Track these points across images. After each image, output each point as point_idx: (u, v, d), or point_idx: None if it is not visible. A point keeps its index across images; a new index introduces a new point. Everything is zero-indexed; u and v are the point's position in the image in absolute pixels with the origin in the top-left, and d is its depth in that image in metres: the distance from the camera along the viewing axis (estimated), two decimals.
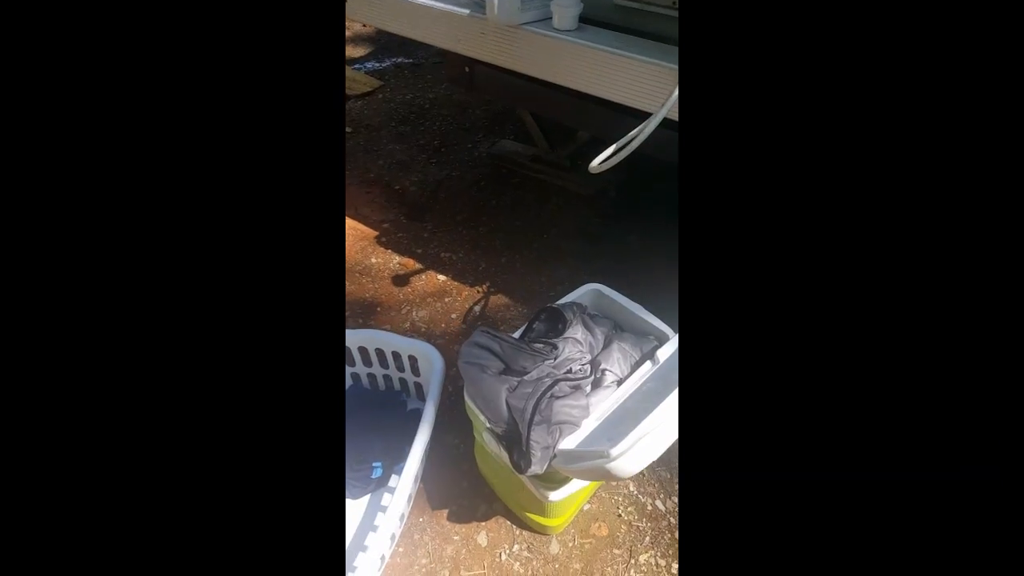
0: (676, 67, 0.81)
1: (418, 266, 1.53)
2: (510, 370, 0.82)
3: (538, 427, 0.69)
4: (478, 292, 1.44)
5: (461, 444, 1.09)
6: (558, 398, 0.73)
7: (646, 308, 0.93)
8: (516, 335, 0.89)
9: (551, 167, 1.79)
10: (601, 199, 1.73)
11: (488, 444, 0.80)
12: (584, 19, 0.95)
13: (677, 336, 0.85)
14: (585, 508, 0.99)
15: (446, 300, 1.42)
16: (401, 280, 1.49)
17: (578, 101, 1.09)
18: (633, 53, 0.87)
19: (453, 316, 1.38)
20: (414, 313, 1.39)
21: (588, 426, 0.74)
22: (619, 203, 1.72)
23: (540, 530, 0.95)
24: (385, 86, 2.47)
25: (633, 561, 0.92)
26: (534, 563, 0.93)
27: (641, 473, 1.02)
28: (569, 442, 0.72)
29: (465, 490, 1.03)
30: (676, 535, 0.95)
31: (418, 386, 1.12)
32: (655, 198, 1.73)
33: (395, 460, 1.05)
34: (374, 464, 1.03)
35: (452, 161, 1.97)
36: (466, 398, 0.83)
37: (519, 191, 1.79)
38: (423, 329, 1.34)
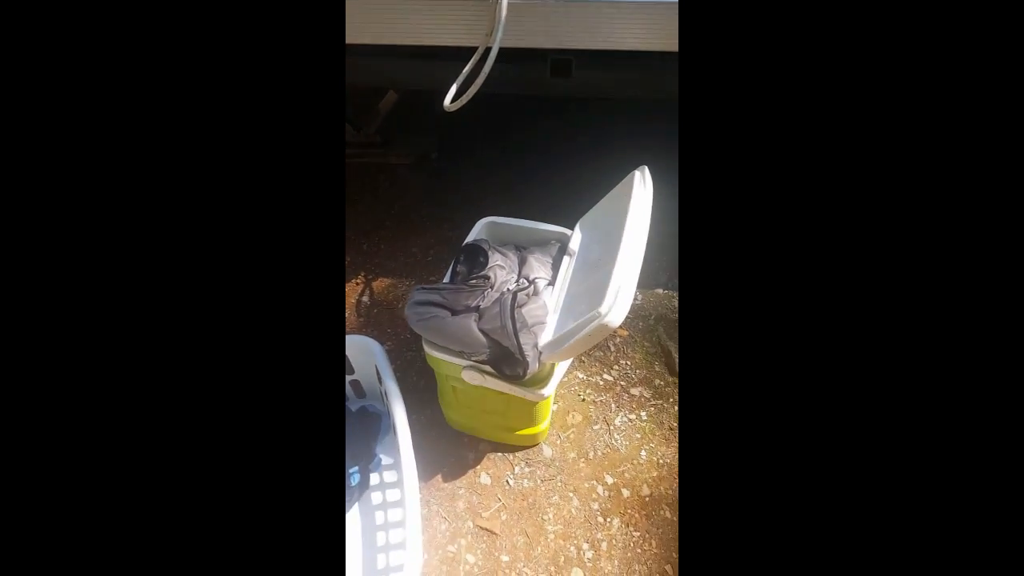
0: None
1: None
2: (457, 312, 0.86)
3: (522, 333, 0.76)
4: (357, 284, 1.39)
5: (420, 416, 1.10)
6: (521, 306, 0.81)
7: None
8: (445, 281, 0.93)
9: (365, 147, 1.76)
10: (425, 162, 1.78)
11: (471, 380, 0.84)
12: None
13: (576, 230, 0.98)
14: (555, 408, 1.09)
15: None
16: None
17: (379, 59, 1.12)
18: None
19: (346, 314, 1.32)
20: None
21: (551, 320, 0.84)
22: (441, 160, 1.79)
23: (531, 442, 1.03)
24: None
25: (612, 427, 1.07)
26: (538, 472, 1.01)
27: (582, 359, 1.17)
28: (544, 337, 0.80)
29: (446, 450, 1.05)
30: (631, 393, 1.13)
31: (355, 384, 1.08)
32: (471, 143, 1.84)
33: (366, 461, 1.01)
34: (350, 472, 0.98)
35: None
36: (431, 352, 0.85)
37: (345, 181, 1.73)
38: None
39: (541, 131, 1.88)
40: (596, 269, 0.82)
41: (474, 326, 0.80)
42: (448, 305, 0.85)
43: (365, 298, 1.36)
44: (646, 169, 0.84)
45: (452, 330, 0.80)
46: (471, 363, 0.83)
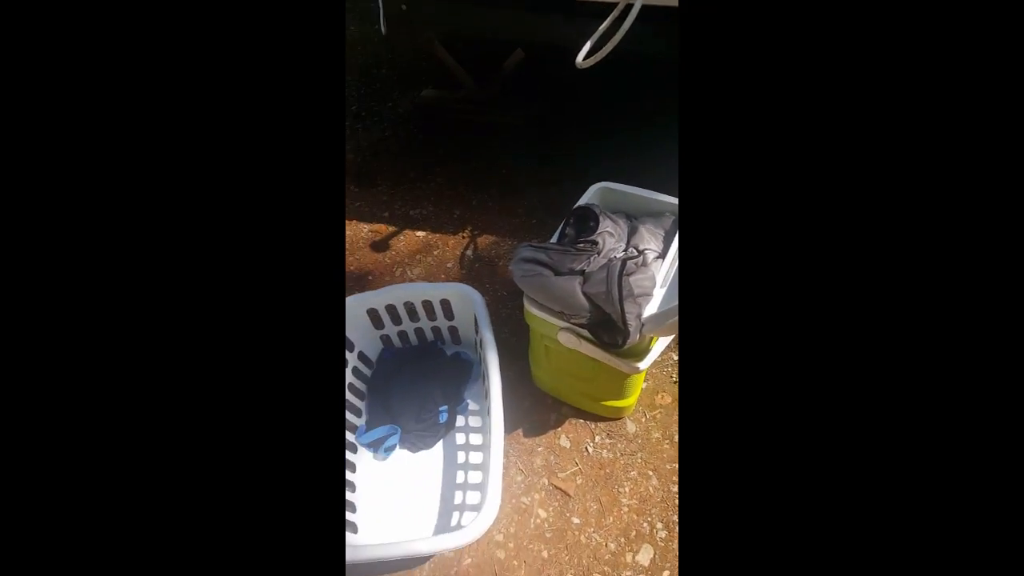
0: None
1: (391, 229, 1.49)
2: (561, 273, 0.85)
3: (627, 302, 0.75)
4: (463, 238, 1.44)
5: (507, 372, 1.12)
6: (629, 275, 0.79)
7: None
8: (553, 242, 0.93)
9: (483, 104, 1.78)
10: (539, 124, 1.77)
11: (566, 343, 0.84)
12: None
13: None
14: (644, 386, 1.07)
15: (435, 253, 1.41)
16: (380, 246, 1.45)
17: (517, 11, 1.11)
18: None
19: (449, 265, 1.38)
20: (408, 273, 1.37)
21: (657, 293, 0.81)
22: (557, 123, 1.77)
23: (615, 415, 1.03)
24: None
25: None
26: (619, 446, 1.01)
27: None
28: (649, 310, 0.78)
29: (529, 408, 1.07)
30: None
31: (452, 330, 1.13)
32: (590, 108, 1.79)
33: (455, 403, 1.06)
34: (440, 409, 1.04)
35: (378, 123, 1.89)
36: (531, 309, 0.86)
37: (460, 135, 1.77)
38: None
39: (666, 99, 1.78)
40: None
41: (578, 288, 0.79)
42: (553, 265, 0.85)
43: (469, 252, 1.40)
44: None
45: (555, 290, 0.80)
46: (569, 325, 0.83)
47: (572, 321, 0.82)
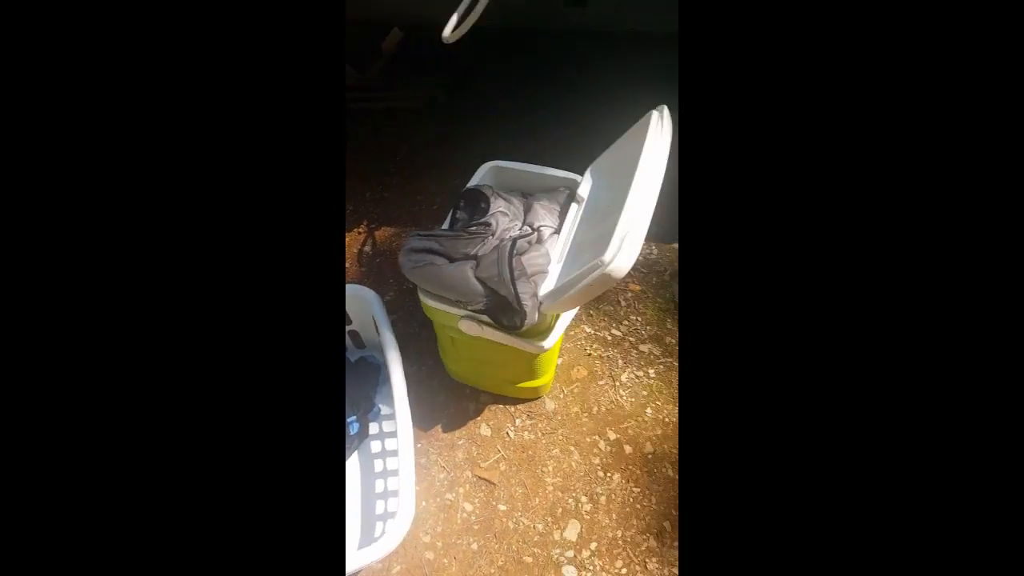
0: None
1: None
2: (455, 260, 0.82)
3: (520, 282, 0.72)
4: (359, 233, 1.36)
5: (421, 367, 1.08)
6: (521, 254, 0.76)
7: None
8: (444, 228, 0.88)
9: (367, 91, 1.69)
10: (432, 106, 1.70)
11: (468, 331, 0.81)
12: None
13: (586, 176, 0.91)
14: (559, 362, 1.07)
15: None
16: None
17: None
18: None
19: (346, 266, 1.29)
20: None
21: (554, 270, 0.79)
22: (450, 104, 1.71)
23: (533, 395, 1.01)
24: None
25: (617, 383, 1.04)
26: (540, 425, 1.00)
27: (590, 313, 1.13)
28: (545, 287, 0.76)
29: (446, 400, 1.04)
30: (640, 349, 1.09)
31: (354, 335, 1.06)
32: (482, 86, 1.75)
33: (365, 410, 1.00)
34: (348, 421, 0.98)
35: None
36: (427, 301, 0.82)
37: (351, 126, 1.67)
38: None
39: (556, 69, 1.76)
40: (604, 217, 0.76)
41: (471, 274, 0.76)
42: (445, 252, 0.81)
43: (367, 248, 1.32)
44: (665, 109, 0.77)
45: (448, 278, 0.76)
46: (468, 313, 0.79)
47: (470, 308, 0.78)
